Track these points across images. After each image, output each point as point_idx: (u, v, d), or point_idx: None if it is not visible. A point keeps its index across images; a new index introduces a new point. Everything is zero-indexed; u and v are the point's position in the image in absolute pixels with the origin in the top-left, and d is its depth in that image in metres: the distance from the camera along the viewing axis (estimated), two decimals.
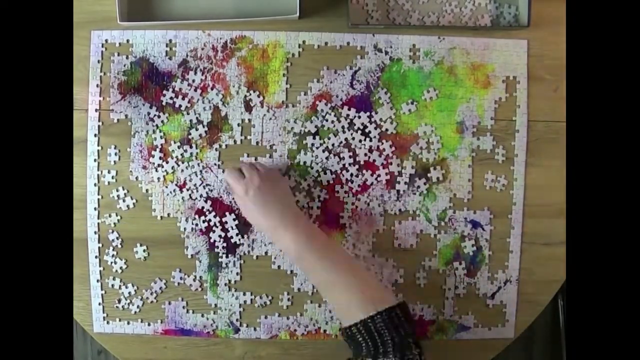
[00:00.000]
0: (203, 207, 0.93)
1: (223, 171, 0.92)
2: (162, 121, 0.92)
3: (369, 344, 0.75)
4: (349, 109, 0.93)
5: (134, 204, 0.93)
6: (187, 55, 0.92)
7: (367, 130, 0.93)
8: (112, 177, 0.93)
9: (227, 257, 0.94)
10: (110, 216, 0.93)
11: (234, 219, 0.93)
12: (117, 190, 0.93)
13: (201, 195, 0.93)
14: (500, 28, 0.93)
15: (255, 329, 0.95)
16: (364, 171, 0.93)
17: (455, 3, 0.94)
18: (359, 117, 0.93)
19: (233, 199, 0.91)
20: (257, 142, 0.93)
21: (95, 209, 0.93)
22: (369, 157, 0.93)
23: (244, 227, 0.93)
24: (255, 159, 0.93)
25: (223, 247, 0.93)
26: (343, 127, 0.93)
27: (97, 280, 0.94)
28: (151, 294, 0.94)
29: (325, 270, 0.82)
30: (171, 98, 0.92)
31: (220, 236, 0.93)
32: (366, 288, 0.80)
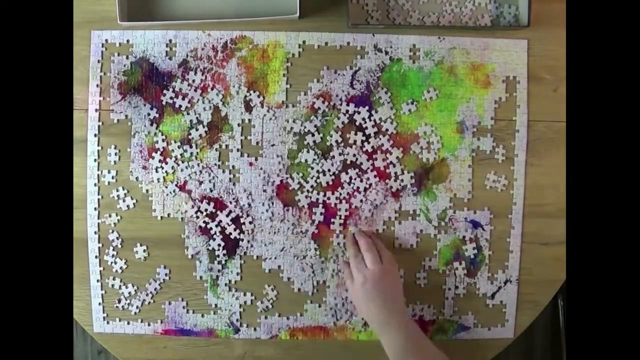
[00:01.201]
0: (203, 207, 0.93)
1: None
2: (163, 121, 0.92)
3: None
4: (348, 105, 0.93)
5: (134, 204, 0.93)
6: (187, 56, 0.92)
7: (367, 130, 0.93)
8: (112, 177, 0.93)
9: (227, 257, 0.94)
10: (110, 216, 0.93)
11: (236, 218, 0.93)
12: (117, 190, 0.93)
13: (201, 195, 0.93)
14: (500, 28, 0.93)
15: (255, 329, 0.95)
16: (364, 171, 0.93)
17: (456, 3, 0.94)
18: (359, 112, 0.93)
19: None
20: (257, 142, 0.93)
21: (95, 209, 0.93)
22: (369, 156, 0.93)
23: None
24: (256, 159, 0.93)
25: (223, 247, 0.93)
26: (343, 122, 0.93)
27: (97, 280, 0.94)
28: (150, 294, 0.94)
29: None
30: (171, 98, 0.92)
31: (220, 236, 0.93)
32: None
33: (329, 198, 0.93)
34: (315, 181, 0.93)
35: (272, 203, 0.93)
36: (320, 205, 0.93)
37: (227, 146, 0.93)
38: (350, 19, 0.90)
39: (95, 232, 0.93)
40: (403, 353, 0.84)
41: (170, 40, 0.92)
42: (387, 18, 0.93)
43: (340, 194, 0.93)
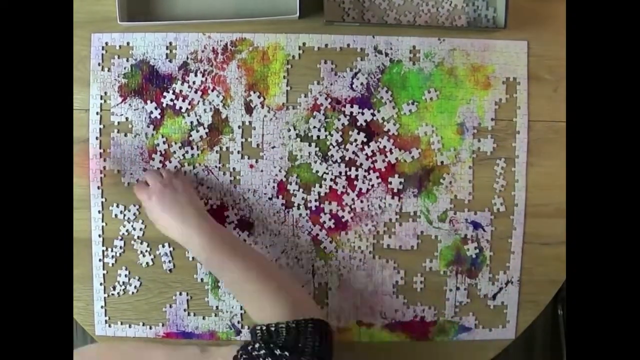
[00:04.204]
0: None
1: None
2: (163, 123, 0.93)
3: (289, 341, 0.73)
4: (352, 106, 0.93)
5: (135, 206, 0.93)
6: (187, 58, 0.92)
7: (367, 131, 0.93)
8: (114, 180, 0.93)
9: None
10: (112, 219, 0.93)
11: (236, 221, 0.93)
12: (119, 193, 0.93)
13: (202, 197, 0.93)
14: (476, 29, 0.93)
15: None
16: (365, 172, 0.93)
17: (432, 3, 0.94)
18: (362, 113, 0.93)
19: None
20: (258, 144, 0.93)
21: (99, 212, 0.93)
22: (370, 158, 0.93)
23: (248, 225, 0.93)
24: (256, 161, 0.93)
25: None
26: (343, 123, 0.93)
27: (100, 284, 0.94)
28: (153, 296, 0.94)
29: (238, 269, 0.81)
30: (171, 100, 0.92)
31: None
32: (292, 291, 0.81)
33: (329, 200, 0.93)
34: (316, 183, 0.93)
35: (273, 205, 0.93)
36: (321, 207, 0.93)
37: (227, 148, 0.93)
38: (325, 16, 0.90)
39: (99, 235, 0.93)
40: (209, 250, 0.82)
41: (170, 43, 0.92)
42: (362, 18, 0.93)
43: (341, 195, 0.93)
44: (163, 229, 0.86)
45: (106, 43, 0.92)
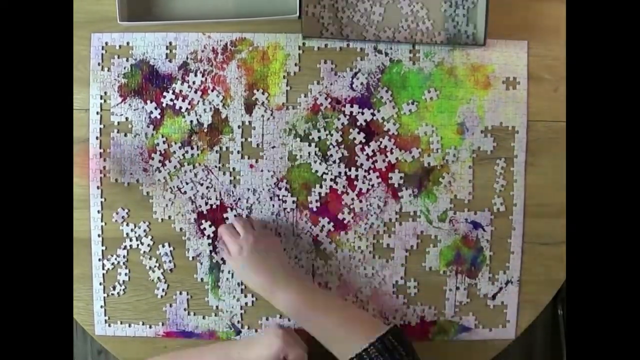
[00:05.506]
0: (203, 209, 0.93)
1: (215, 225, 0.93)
2: (163, 123, 0.93)
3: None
4: (352, 106, 0.93)
5: (135, 206, 0.93)
6: (187, 58, 0.92)
7: (367, 131, 0.93)
8: (114, 180, 0.93)
9: None
10: (112, 218, 0.93)
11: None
12: (119, 193, 0.93)
13: (202, 197, 0.93)
14: (456, 45, 0.93)
15: (256, 331, 0.95)
16: (365, 172, 0.93)
17: (412, 19, 0.94)
18: (362, 113, 0.93)
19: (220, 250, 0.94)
20: (258, 144, 0.93)
21: (98, 211, 0.93)
22: (370, 158, 0.93)
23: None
24: (256, 161, 0.93)
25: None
26: (343, 123, 0.93)
27: (100, 284, 0.94)
28: (152, 296, 0.94)
29: (320, 322, 0.84)
30: (171, 100, 0.92)
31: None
32: (356, 324, 0.83)
33: (329, 199, 0.93)
34: (316, 183, 0.93)
35: (273, 205, 0.93)
36: (321, 207, 0.93)
37: (227, 148, 0.93)
38: (304, 31, 0.90)
39: (98, 235, 0.93)
40: (298, 311, 0.84)
41: (170, 43, 0.92)
42: (340, 34, 0.93)
43: (341, 195, 0.93)
44: (246, 281, 0.89)
45: (106, 43, 0.92)
